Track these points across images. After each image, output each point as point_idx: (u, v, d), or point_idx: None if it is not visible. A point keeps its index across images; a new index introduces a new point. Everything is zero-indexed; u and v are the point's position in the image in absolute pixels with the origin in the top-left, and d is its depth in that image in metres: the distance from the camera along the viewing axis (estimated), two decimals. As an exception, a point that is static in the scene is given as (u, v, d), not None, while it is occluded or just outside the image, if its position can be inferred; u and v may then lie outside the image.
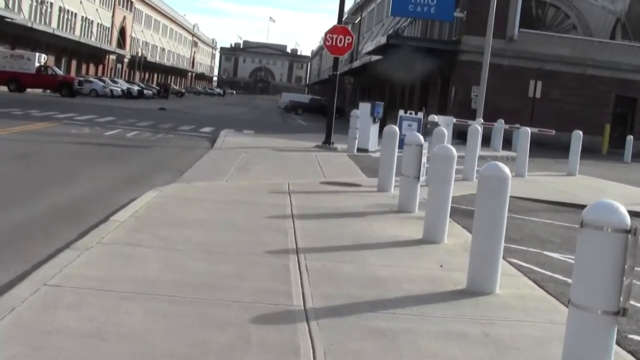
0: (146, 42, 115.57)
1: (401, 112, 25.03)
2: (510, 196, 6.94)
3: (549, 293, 7.08)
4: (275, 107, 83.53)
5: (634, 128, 41.98)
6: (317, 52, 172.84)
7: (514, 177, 19.43)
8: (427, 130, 25.05)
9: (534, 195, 15.27)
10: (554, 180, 19.84)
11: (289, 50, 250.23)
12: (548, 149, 32.30)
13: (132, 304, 5.53)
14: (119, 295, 5.73)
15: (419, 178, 10.90)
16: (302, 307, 5.83)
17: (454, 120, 26.34)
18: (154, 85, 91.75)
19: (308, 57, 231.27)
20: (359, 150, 22.98)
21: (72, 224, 8.99)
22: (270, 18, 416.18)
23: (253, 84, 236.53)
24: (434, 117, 25.08)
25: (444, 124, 25.46)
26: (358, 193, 12.96)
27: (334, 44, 23.59)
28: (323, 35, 24.08)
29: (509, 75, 40.48)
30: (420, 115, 24.92)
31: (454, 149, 9.05)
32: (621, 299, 4.40)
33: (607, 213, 4.41)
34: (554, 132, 28.29)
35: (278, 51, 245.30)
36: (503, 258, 7.07)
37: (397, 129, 13.43)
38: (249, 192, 11.96)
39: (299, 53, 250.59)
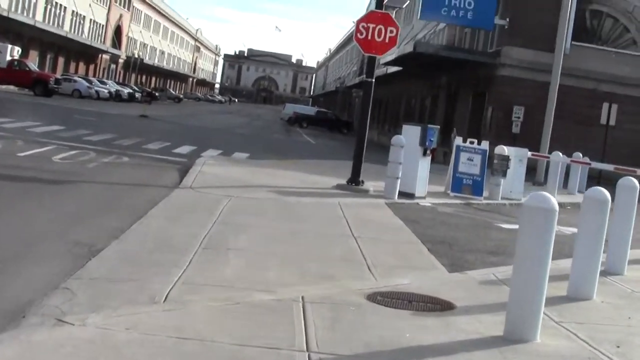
0: (144, 44, 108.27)
1: (458, 141, 17.45)
2: None
3: None
4: (278, 118, 76.93)
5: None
6: (323, 64, 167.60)
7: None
8: (494, 167, 17.65)
9: None
10: None
11: (294, 60, 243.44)
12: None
13: None
14: None
15: None
16: None
17: (529, 154, 18.73)
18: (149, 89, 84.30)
19: (313, 68, 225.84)
20: (400, 194, 15.22)
21: None
22: (276, 27, 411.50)
23: (256, 93, 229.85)
24: (504, 149, 17.65)
25: (516, 158, 18.11)
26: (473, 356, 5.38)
27: (368, 37, 15.64)
28: (354, 25, 16.22)
29: (561, 97, 33.23)
30: (485, 146, 17.39)
31: None
32: None
33: None
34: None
35: (283, 61, 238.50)
36: None
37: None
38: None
39: (304, 64, 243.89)
